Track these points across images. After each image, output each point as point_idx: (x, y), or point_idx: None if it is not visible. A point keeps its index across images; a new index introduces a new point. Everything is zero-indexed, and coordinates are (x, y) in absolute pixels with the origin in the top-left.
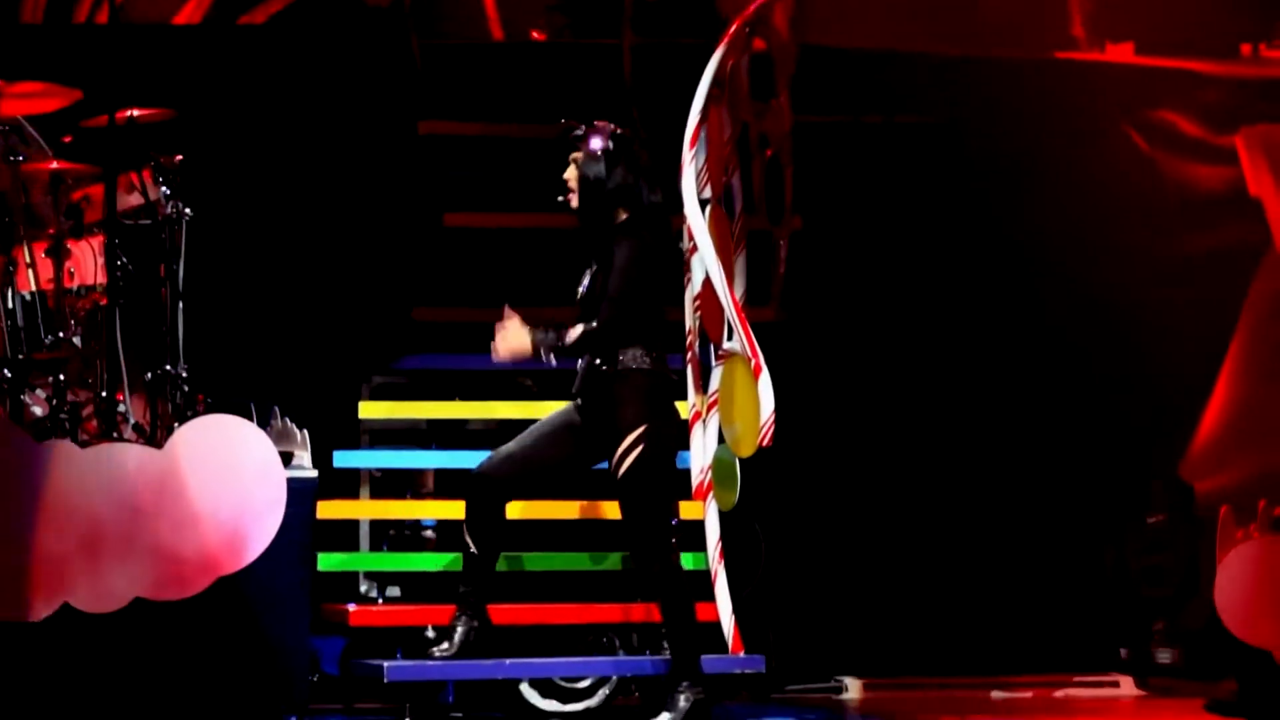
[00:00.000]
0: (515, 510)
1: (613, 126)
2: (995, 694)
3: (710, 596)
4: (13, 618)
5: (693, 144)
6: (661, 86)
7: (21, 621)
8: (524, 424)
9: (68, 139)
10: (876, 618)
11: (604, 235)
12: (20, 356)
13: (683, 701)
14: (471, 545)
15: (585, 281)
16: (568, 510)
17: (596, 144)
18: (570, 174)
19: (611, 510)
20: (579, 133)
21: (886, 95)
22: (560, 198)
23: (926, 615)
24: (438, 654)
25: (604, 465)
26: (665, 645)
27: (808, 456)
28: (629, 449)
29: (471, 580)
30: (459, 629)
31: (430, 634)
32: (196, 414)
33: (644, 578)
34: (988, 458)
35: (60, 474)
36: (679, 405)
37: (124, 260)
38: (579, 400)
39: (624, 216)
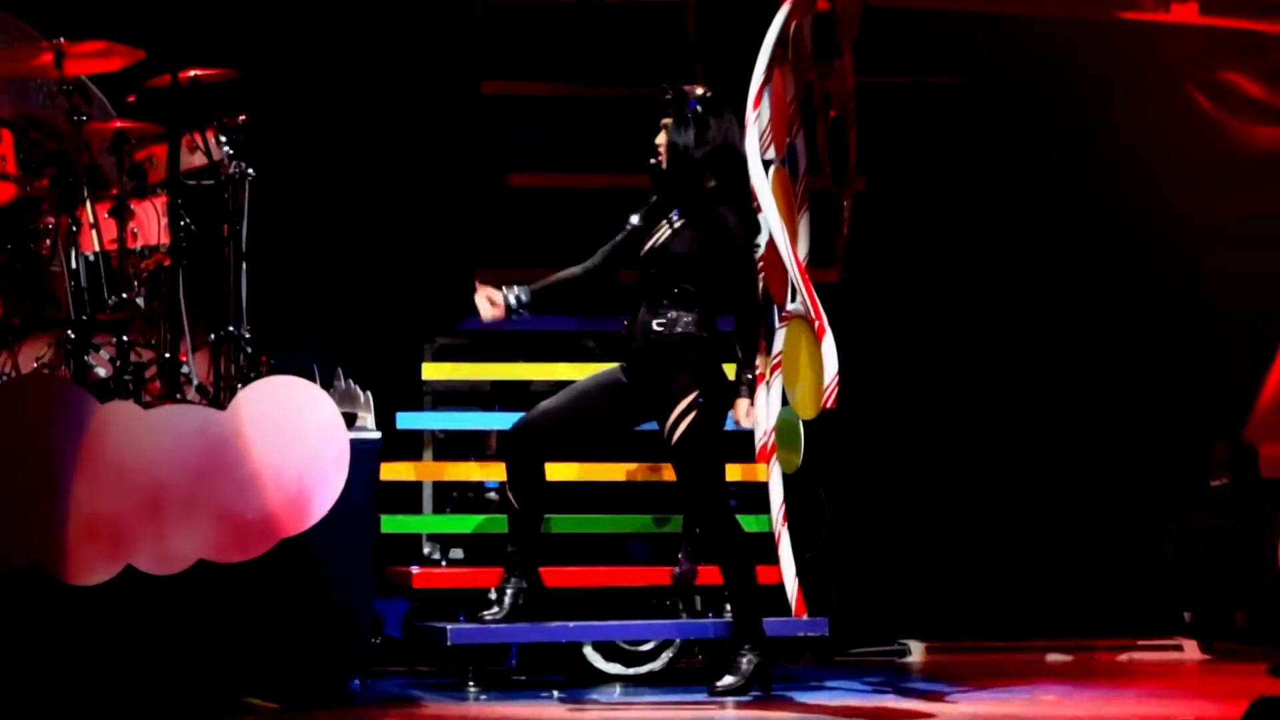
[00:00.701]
0: (577, 472)
1: (704, 90)
2: (1058, 657)
3: (773, 559)
4: (76, 580)
5: (756, 104)
6: (726, 45)
7: (85, 584)
8: None
9: (131, 99)
10: (940, 580)
11: (691, 200)
12: (84, 317)
13: (745, 664)
14: (514, 501)
15: (656, 239)
16: (631, 472)
17: (687, 109)
18: (661, 139)
19: (670, 473)
20: (669, 96)
21: (950, 56)
22: (652, 160)
23: (990, 578)
24: (489, 618)
25: (651, 427)
26: (727, 608)
27: (871, 418)
28: (682, 415)
29: (517, 539)
30: (509, 591)
31: (493, 596)
32: (260, 375)
33: (704, 541)
34: (1051, 421)
35: (123, 435)
36: (728, 368)
37: (187, 221)
38: (626, 362)
39: (712, 183)
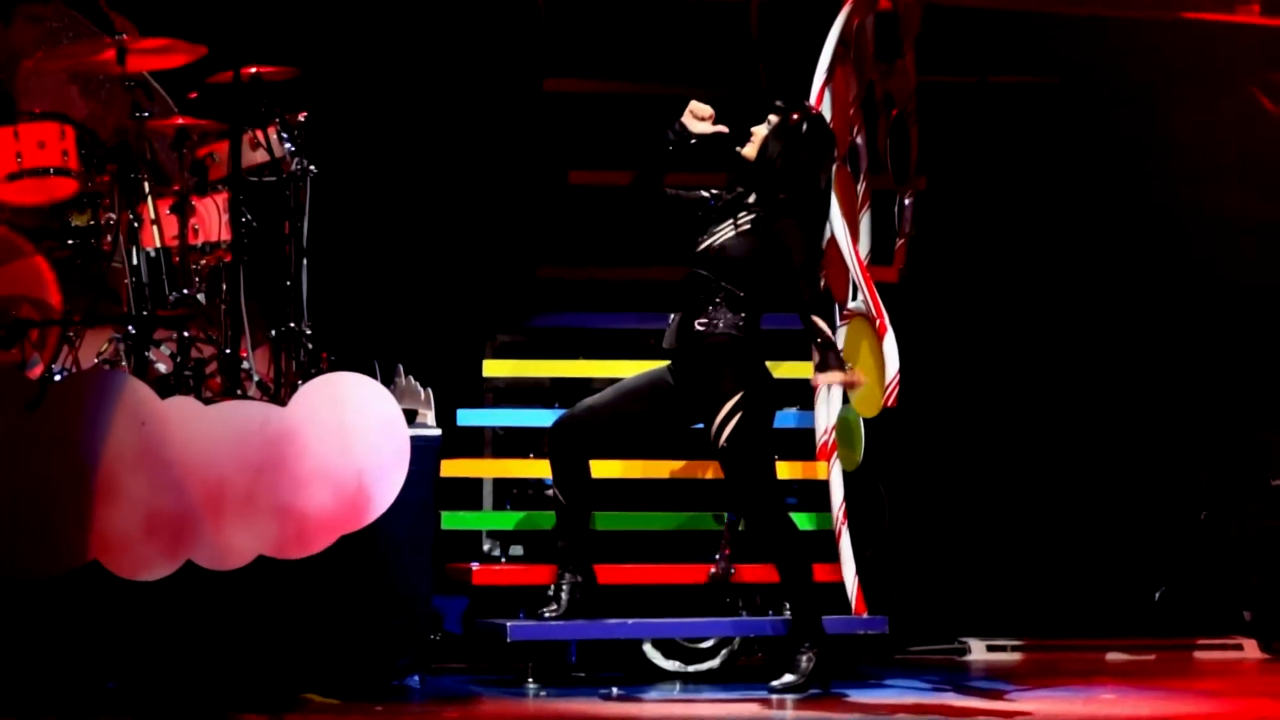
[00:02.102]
0: (638, 469)
1: (816, 112)
2: (1117, 656)
3: (834, 557)
4: (136, 576)
5: (818, 103)
6: (788, 42)
7: (145, 579)
8: None
9: (193, 95)
10: (999, 579)
11: (762, 204)
12: (145, 313)
13: (804, 662)
14: (561, 498)
15: (715, 238)
16: (692, 470)
17: (791, 121)
18: (760, 130)
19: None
20: (780, 104)
21: (1012, 55)
22: (739, 148)
23: (1049, 576)
24: (548, 615)
25: (698, 426)
26: (787, 606)
27: (931, 417)
28: (727, 417)
29: (566, 535)
30: (564, 587)
31: (551, 593)
32: (320, 371)
33: (758, 540)
34: (1111, 418)
35: (184, 431)
36: (782, 366)
37: (248, 217)
38: (672, 361)
39: (783, 197)
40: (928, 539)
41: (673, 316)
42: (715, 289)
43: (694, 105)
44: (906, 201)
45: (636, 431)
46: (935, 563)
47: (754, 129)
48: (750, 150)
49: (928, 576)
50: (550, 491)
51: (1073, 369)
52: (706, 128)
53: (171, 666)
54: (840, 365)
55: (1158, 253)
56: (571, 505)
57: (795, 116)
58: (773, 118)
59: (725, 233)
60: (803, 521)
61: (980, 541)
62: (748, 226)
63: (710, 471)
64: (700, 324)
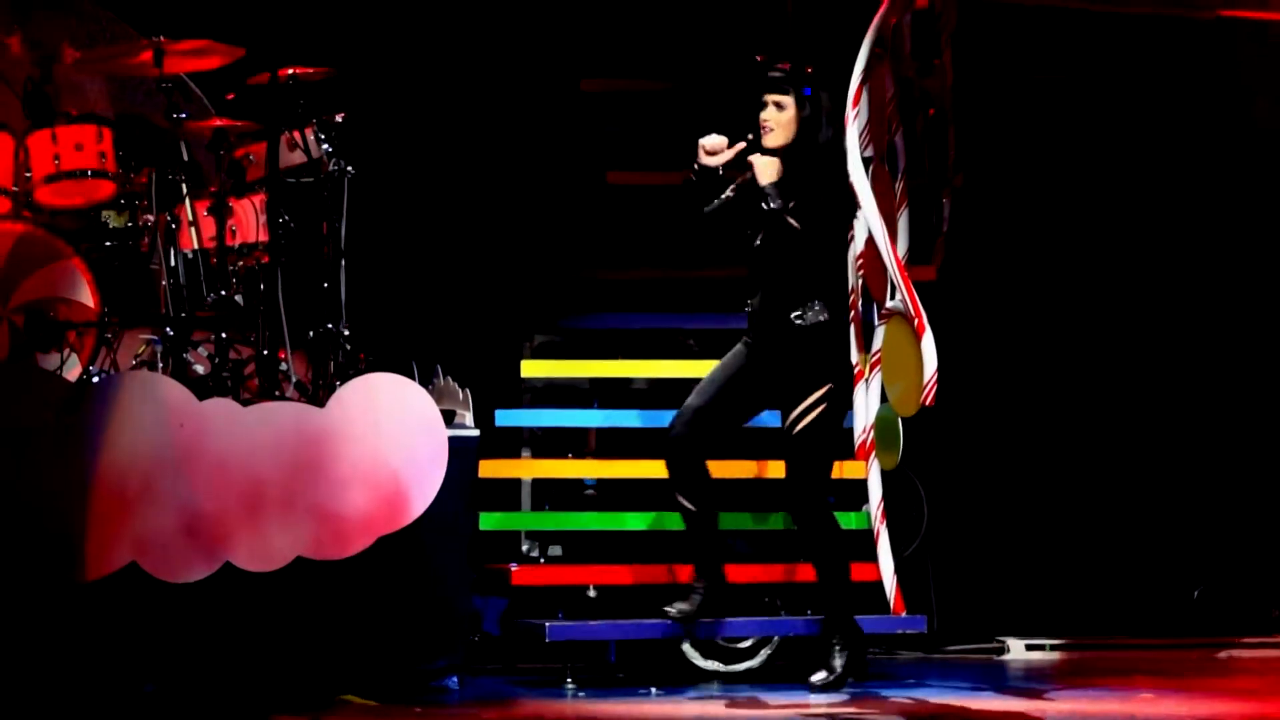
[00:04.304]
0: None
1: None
2: (1156, 654)
3: (872, 556)
4: (176, 578)
5: (855, 103)
6: (825, 39)
7: (184, 581)
8: (686, 383)
9: (230, 97)
10: (1038, 578)
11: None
12: (183, 315)
13: (839, 659)
14: (687, 504)
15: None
16: (730, 470)
17: (822, 101)
18: (772, 115)
19: (773, 470)
20: (777, 74)
21: (1050, 52)
22: (750, 136)
23: (1088, 575)
24: (673, 614)
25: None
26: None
27: (970, 416)
28: (811, 407)
29: (697, 539)
30: (698, 589)
31: (591, 594)
32: (358, 372)
33: (806, 533)
34: (1147, 417)
35: (222, 433)
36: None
37: (286, 218)
38: (752, 345)
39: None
40: (967, 538)
41: (750, 303)
42: (793, 274)
43: (703, 143)
44: (945, 201)
45: (737, 424)
46: (974, 562)
47: (764, 116)
48: (775, 137)
49: (967, 575)
50: (590, 492)
51: (1109, 367)
52: (724, 156)
53: (210, 669)
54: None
55: (1203, 249)
56: (699, 510)
57: (805, 83)
58: (777, 98)
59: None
60: (841, 521)
61: (1019, 540)
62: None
63: (764, 470)
64: (795, 315)
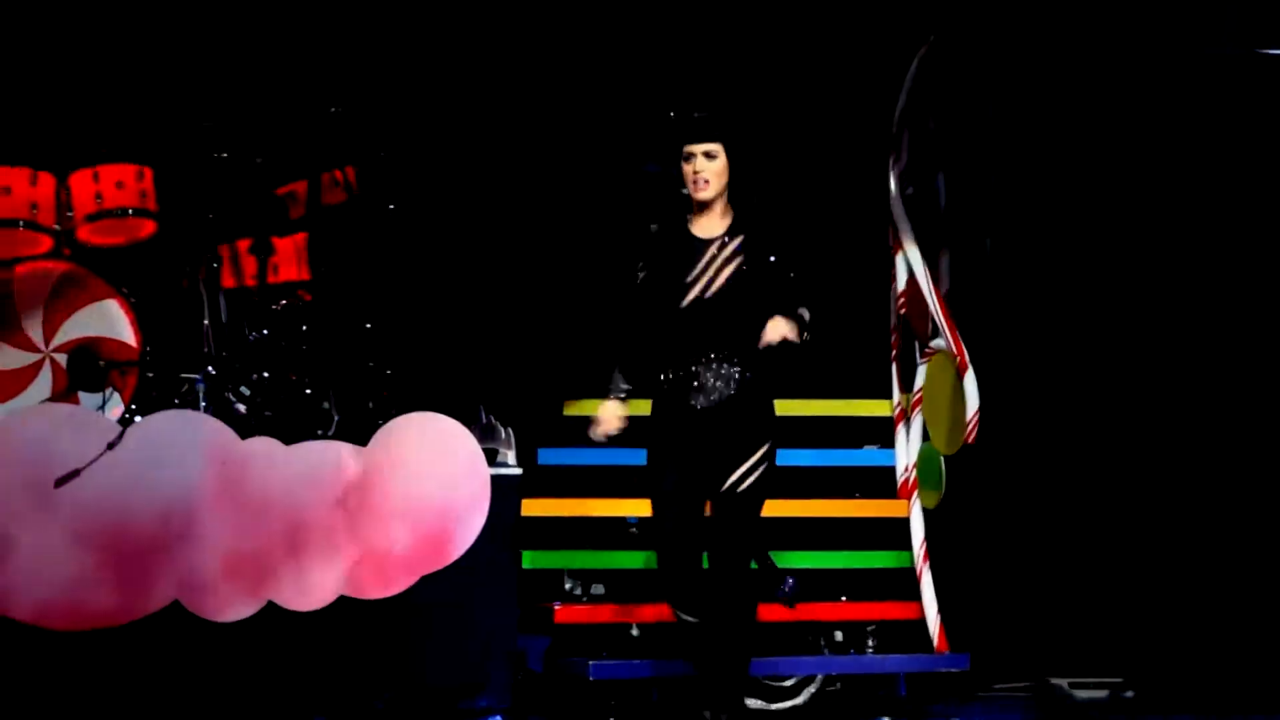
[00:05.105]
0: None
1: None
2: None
3: (914, 595)
4: (218, 617)
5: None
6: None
7: (225, 620)
8: None
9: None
10: (1086, 616)
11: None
12: (224, 354)
13: None
14: (689, 618)
15: (708, 280)
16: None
17: (733, 132)
18: (704, 167)
19: (815, 509)
20: (698, 115)
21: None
22: (685, 190)
23: (1139, 615)
24: None
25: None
26: (870, 644)
27: (1015, 452)
28: (757, 464)
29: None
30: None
31: (635, 633)
32: (401, 411)
33: (729, 581)
34: (1201, 452)
35: (264, 471)
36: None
37: (328, 257)
38: (693, 423)
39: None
40: (1013, 575)
41: (667, 375)
42: (726, 336)
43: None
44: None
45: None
46: (1020, 599)
47: (696, 169)
48: (705, 187)
49: (1012, 613)
50: (633, 530)
51: (1161, 406)
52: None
53: (249, 703)
54: (799, 330)
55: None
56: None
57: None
58: (707, 146)
59: (711, 273)
60: (883, 559)
61: (1066, 577)
62: (741, 258)
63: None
64: (737, 374)
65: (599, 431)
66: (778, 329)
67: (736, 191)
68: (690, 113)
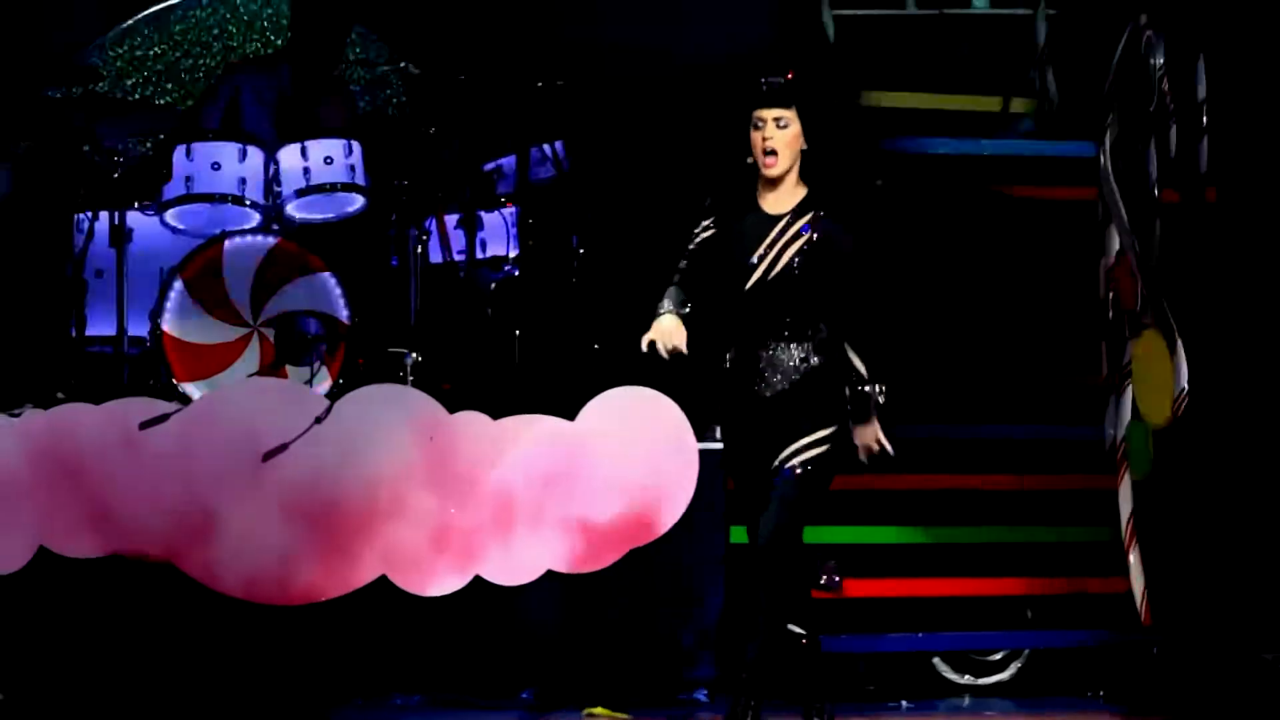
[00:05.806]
0: (917, 481)
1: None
2: None
3: (1121, 570)
4: (425, 591)
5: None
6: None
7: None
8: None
9: None
10: None
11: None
12: (432, 329)
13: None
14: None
15: (769, 257)
16: (973, 484)
17: (811, 97)
18: (773, 135)
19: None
20: (780, 81)
21: None
22: (751, 160)
23: None
24: None
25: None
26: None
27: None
28: (815, 444)
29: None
30: None
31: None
32: (607, 386)
33: (779, 559)
34: None
35: (473, 446)
36: None
37: (535, 232)
38: (768, 399)
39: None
40: (1221, 549)
41: (731, 357)
42: (791, 314)
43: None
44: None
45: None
46: (1230, 573)
47: (766, 135)
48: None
49: (1223, 589)
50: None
51: None
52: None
53: (453, 677)
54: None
55: None
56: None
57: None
58: (779, 112)
59: (776, 249)
60: (1087, 534)
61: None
62: (809, 234)
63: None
64: (801, 358)
65: (663, 347)
66: (866, 443)
67: (811, 165)
68: (760, 76)
